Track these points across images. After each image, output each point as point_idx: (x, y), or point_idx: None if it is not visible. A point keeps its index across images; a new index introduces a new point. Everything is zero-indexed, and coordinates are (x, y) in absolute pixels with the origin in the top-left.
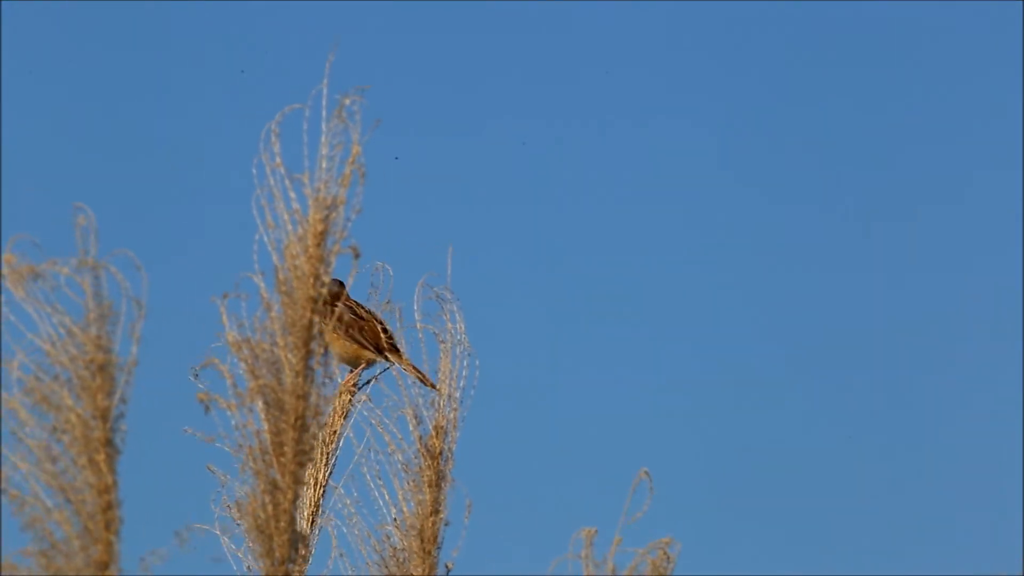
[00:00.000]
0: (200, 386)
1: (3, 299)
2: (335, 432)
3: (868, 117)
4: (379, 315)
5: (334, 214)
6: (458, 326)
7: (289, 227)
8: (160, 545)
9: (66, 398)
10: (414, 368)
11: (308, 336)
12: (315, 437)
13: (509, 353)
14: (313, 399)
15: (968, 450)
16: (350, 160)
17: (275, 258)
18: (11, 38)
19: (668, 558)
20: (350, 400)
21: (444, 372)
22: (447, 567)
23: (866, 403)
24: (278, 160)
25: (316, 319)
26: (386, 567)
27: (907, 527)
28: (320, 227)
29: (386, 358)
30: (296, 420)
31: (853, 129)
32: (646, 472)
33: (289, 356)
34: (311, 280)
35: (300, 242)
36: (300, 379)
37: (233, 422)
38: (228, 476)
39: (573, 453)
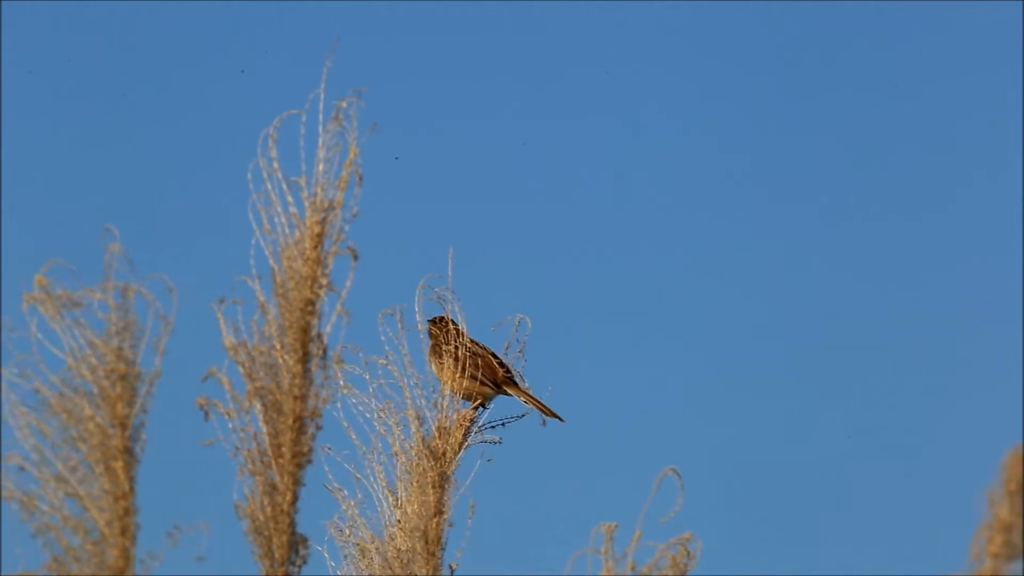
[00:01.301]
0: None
1: (31, 318)
2: (451, 460)
3: (868, 118)
4: (491, 349)
5: (331, 216)
6: (460, 326)
7: (286, 230)
8: (175, 552)
9: (86, 407)
10: (534, 399)
11: (305, 338)
12: (313, 438)
13: (529, 355)
14: (311, 401)
15: (968, 450)
16: (347, 163)
17: (272, 262)
18: (11, 38)
19: (689, 554)
20: (464, 436)
21: (447, 373)
22: (451, 568)
23: (866, 403)
24: (275, 165)
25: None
26: (390, 568)
27: (907, 527)
28: (317, 230)
29: (504, 392)
30: (294, 422)
31: (853, 130)
32: (673, 469)
33: (287, 358)
34: (308, 283)
35: (297, 245)
36: (298, 381)
37: (231, 425)
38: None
39: (578, 453)
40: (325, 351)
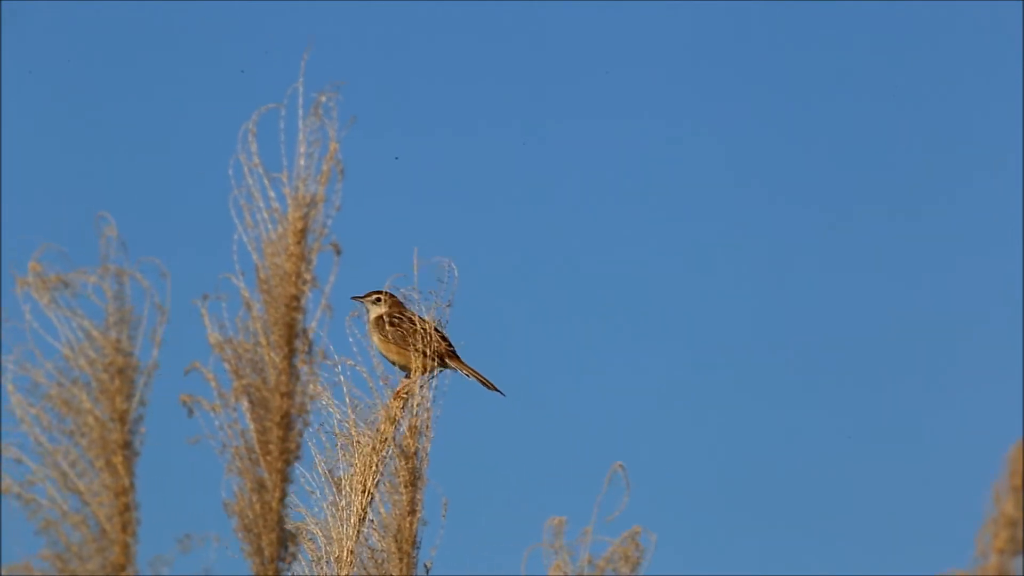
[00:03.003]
0: (188, 372)
1: (25, 304)
2: (385, 440)
3: (868, 118)
4: (435, 322)
5: (314, 211)
6: (428, 326)
7: (269, 226)
8: (176, 548)
9: (85, 401)
10: (475, 372)
11: (291, 334)
12: (300, 435)
13: (494, 352)
14: (298, 397)
15: (968, 450)
16: (328, 157)
17: (255, 257)
18: (11, 38)
19: (639, 547)
20: (401, 407)
21: (415, 372)
22: (426, 567)
23: (866, 402)
24: (256, 159)
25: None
26: (364, 568)
27: (907, 525)
28: (300, 224)
29: (445, 364)
30: (282, 418)
31: (853, 130)
32: (621, 466)
33: (272, 355)
34: (292, 278)
35: (280, 240)
36: (284, 377)
37: (217, 422)
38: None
39: (553, 452)
40: (311, 347)
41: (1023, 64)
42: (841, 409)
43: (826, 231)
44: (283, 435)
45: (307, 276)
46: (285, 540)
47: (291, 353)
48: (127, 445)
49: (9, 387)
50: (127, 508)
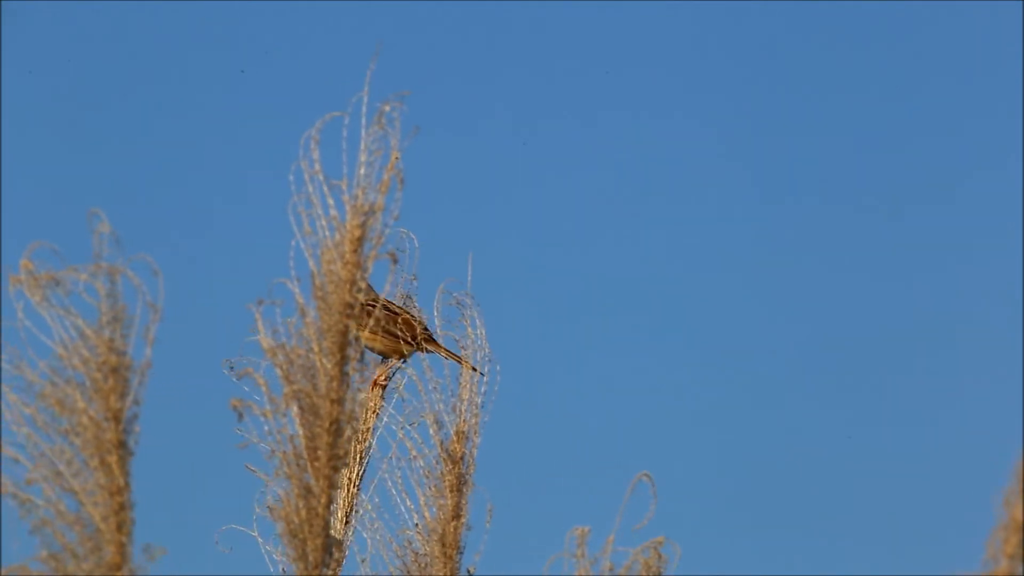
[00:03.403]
0: (240, 376)
1: (17, 303)
2: (368, 429)
3: (868, 117)
4: (408, 308)
5: (371, 220)
6: (479, 331)
7: (326, 233)
8: (172, 549)
9: (79, 400)
10: (452, 354)
11: (344, 341)
12: (349, 441)
13: (524, 356)
14: (348, 404)
15: (968, 450)
16: (389, 166)
17: (312, 264)
18: (11, 38)
19: (661, 558)
20: (382, 395)
21: (465, 377)
22: (469, 572)
23: (866, 402)
24: (317, 167)
25: (351, 324)
26: (408, 572)
27: (907, 527)
28: (357, 233)
29: (423, 348)
30: (331, 425)
31: (853, 129)
32: (647, 475)
33: (324, 361)
34: (347, 286)
35: (337, 248)
36: (335, 384)
37: (266, 427)
38: (267, 476)
39: (591, 455)
40: (362, 354)
41: (1023, 64)
42: (840, 409)
43: (827, 231)
44: (331, 441)
45: (362, 284)
46: (330, 546)
47: (343, 360)
48: (122, 444)
49: (4, 387)
50: (122, 508)
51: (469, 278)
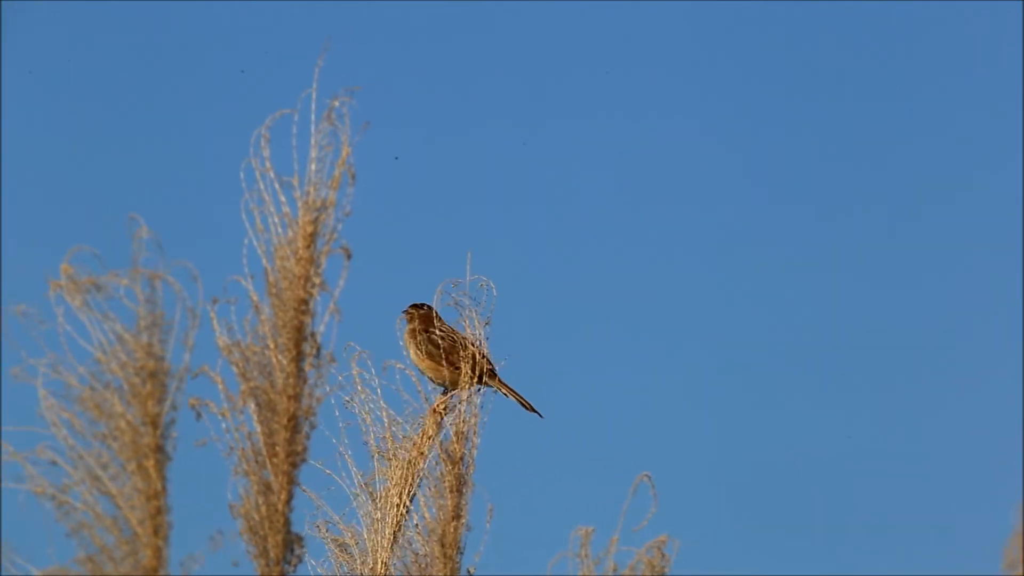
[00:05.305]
0: (196, 375)
1: (58, 307)
2: (422, 453)
3: (867, 117)
4: (471, 338)
5: (324, 216)
6: (478, 331)
7: (279, 230)
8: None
9: (117, 404)
10: (514, 392)
11: (299, 337)
12: (307, 438)
13: (523, 356)
14: (305, 400)
15: (968, 450)
16: (340, 162)
17: (265, 261)
18: (11, 38)
19: (664, 557)
20: (439, 422)
21: (464, 377)
22: (469, 572)
23: (866, 402)
24: (268, 164)
25: (306, 320)
26: (408, 572)
27: (907, 527)
28: (310, 229)
29: (486, 384)
30: (288, 421)
31: (853, 129)
32: (647, 476)
33: (280, 358)
34: (301, 282)
35: (290, 245)
36: (292, 380)
37: (224, 425)
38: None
39: (591, 456)
40: (319, 350)
41: (1023, 64)
42: (840, 409)
43: (827, 232)
44: (290, 438)
45: (316, 280)
46: (291, 542)
47: (299, 356)
48: (159, 449)
49: (42, 391)
50: (159, 511)
51: (468, 278)
